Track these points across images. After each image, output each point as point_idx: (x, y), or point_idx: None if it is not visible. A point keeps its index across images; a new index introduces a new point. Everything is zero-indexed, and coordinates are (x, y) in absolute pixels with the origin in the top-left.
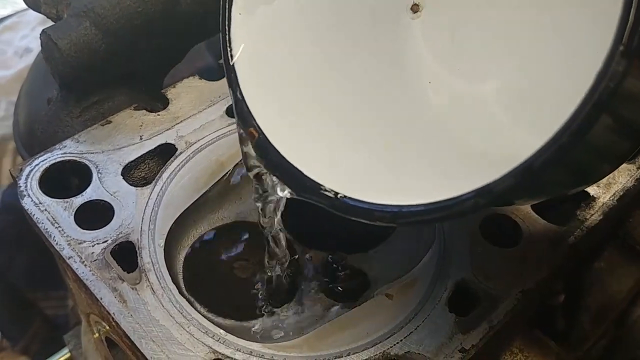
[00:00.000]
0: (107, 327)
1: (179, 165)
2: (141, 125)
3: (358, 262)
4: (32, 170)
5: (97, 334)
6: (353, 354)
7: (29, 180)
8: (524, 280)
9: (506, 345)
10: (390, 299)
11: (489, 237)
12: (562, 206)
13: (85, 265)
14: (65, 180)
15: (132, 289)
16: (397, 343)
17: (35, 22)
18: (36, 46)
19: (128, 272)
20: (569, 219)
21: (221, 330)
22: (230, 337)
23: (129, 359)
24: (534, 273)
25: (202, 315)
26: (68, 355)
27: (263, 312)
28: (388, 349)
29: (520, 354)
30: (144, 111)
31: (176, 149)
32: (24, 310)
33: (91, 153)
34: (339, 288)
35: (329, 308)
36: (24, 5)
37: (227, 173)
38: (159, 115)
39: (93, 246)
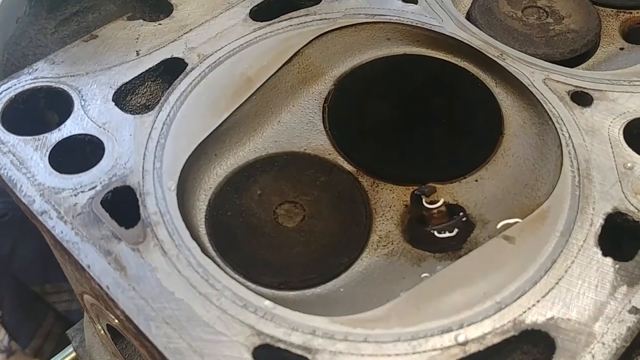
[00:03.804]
0: (104, 309)
1: (190, 83)
2: (137, 39)
3: (454, 194)
4: None
5: (98, 324)
6: (467, 325)
7: None
8: None
9: None
10: (512, 243)
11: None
12: None
13: (66, 221)
14: (40, 114)
15: (134, 250)
16: (532, 307)
17: None
18: None
19: (126, 228)
20: None
21: (267, 302)
22: (280, 311)
23: (142, 354)
24: None
25: (238, 282)
26: (73, 354)
27: (322, 276)
28: (519, 316)
29: None
30: (141, 21)
31: (186, 64)
32: (32, 306)
33: (71, 76)
34: (433, 232)
35: (419, 262)
36: None
37: (256, 90)
38: (160, 24)
39: (76, 195)
